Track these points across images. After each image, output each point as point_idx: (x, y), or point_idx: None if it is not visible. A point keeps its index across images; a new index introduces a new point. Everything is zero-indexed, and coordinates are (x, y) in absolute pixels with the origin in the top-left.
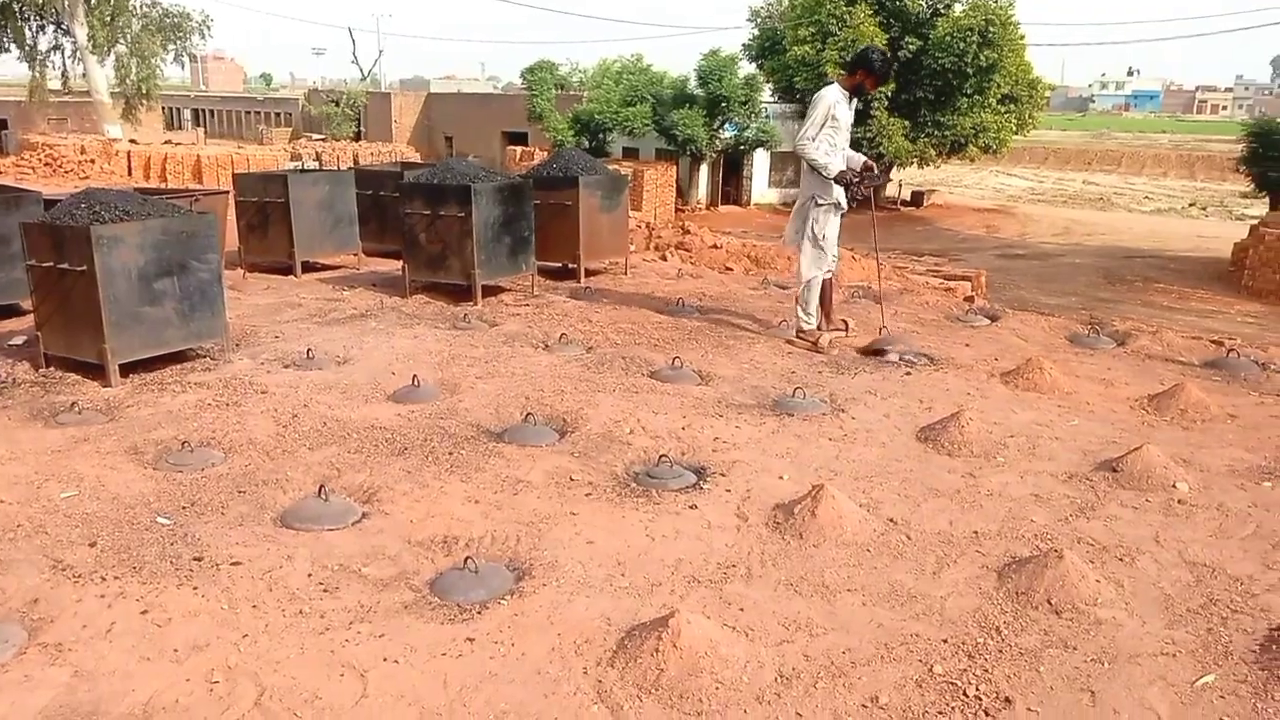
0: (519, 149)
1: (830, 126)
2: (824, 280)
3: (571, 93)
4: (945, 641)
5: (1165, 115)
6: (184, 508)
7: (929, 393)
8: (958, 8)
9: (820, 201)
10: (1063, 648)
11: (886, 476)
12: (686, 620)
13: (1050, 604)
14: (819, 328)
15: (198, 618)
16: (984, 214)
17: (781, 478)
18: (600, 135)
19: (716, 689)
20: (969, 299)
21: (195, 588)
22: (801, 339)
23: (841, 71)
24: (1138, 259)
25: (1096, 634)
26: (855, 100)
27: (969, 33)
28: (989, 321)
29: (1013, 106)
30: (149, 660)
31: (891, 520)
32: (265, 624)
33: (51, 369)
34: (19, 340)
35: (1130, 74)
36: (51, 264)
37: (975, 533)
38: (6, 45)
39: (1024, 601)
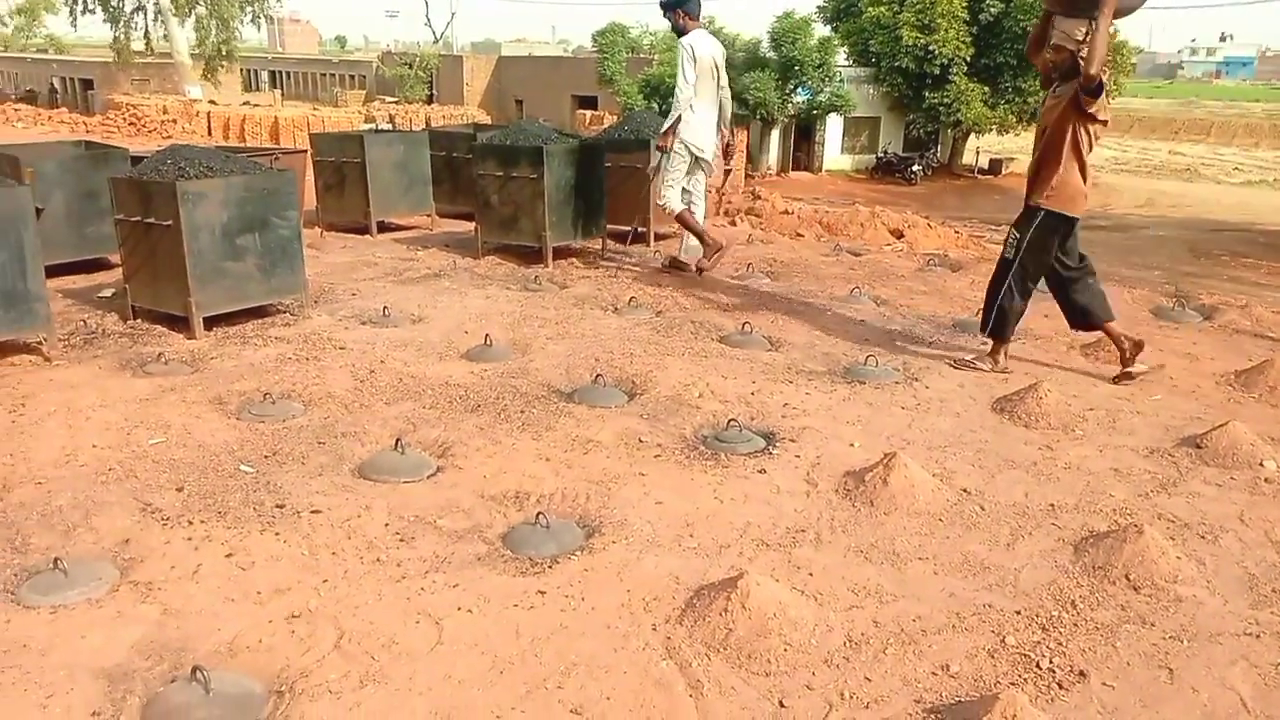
0: (588, 113)
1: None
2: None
3: (642, 56)
4: (1019, 613)
5: (1259, 83)
6: (266, 457)
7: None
8: None
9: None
10: (1140, 624)
11: (960, 447)
12: (755, 582)
13: (1128, 579)
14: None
15: (279, 562)
16: None
17: (852, 445)
18: (671, 99)
19: (785, 650)
20: None
21: (277, 533)
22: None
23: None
24: (1225, 232)
25: (1176, 611)
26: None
27: None
28: None
29: None
30: (233, 601)
31: (965, 490)
32: (344, 570)
33: (138, 321)
34: (108, 292)
35: (1223, 39)
36: (139, 219)
37: (1051, 505)
38: (92, 7)
39: (1101, 576)
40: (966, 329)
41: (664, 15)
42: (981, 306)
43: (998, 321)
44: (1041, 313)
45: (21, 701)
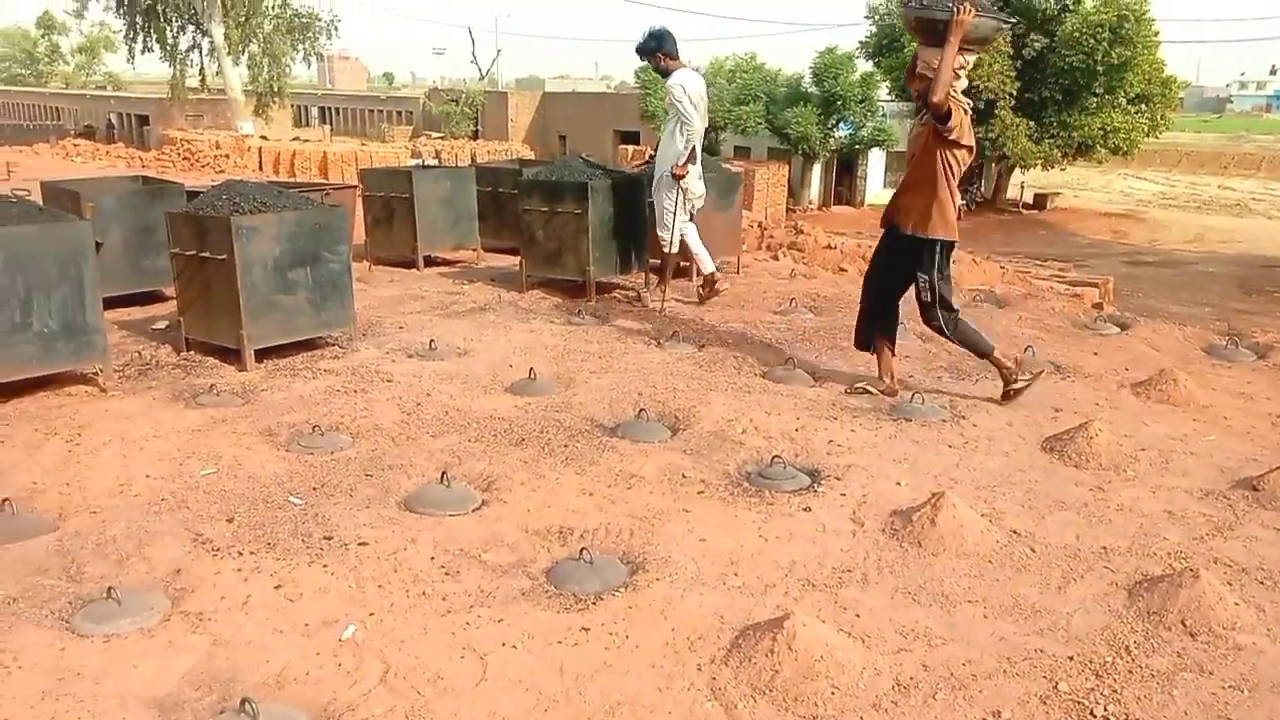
0: (630, 148)
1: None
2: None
3: None
4: (1071, 659)
5: None
6: (314, 488)
7: (1055, 401)
8: (1088, 3)
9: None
10: (1198, 672)
11: (1009, 486)
12: (802, 623)
13: (1184, 625)
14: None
15: (327, 594)
16: (1111, 219)
17: (899, 484)
18: (712, 134)
19: (832, 694)
20: (1097, 306)
21: (325, 565)
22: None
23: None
24: (1278, 268)
25: (1235, 660)
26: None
27: (1100, 29)
28: (1119, 330)
29: (1144, 107)
30: (282, 633)
31: (1015, 532)
32: (390, 603)
33: (191, 352)
34: (162, 324)
35: (1273, 73)
36: (194, 252)
37: (1104, 548)
38: (150, 45)
39: (1156, 622)
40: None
41: (644, 60)
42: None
43: (974, 346)
44: (1090, 351)
45: None
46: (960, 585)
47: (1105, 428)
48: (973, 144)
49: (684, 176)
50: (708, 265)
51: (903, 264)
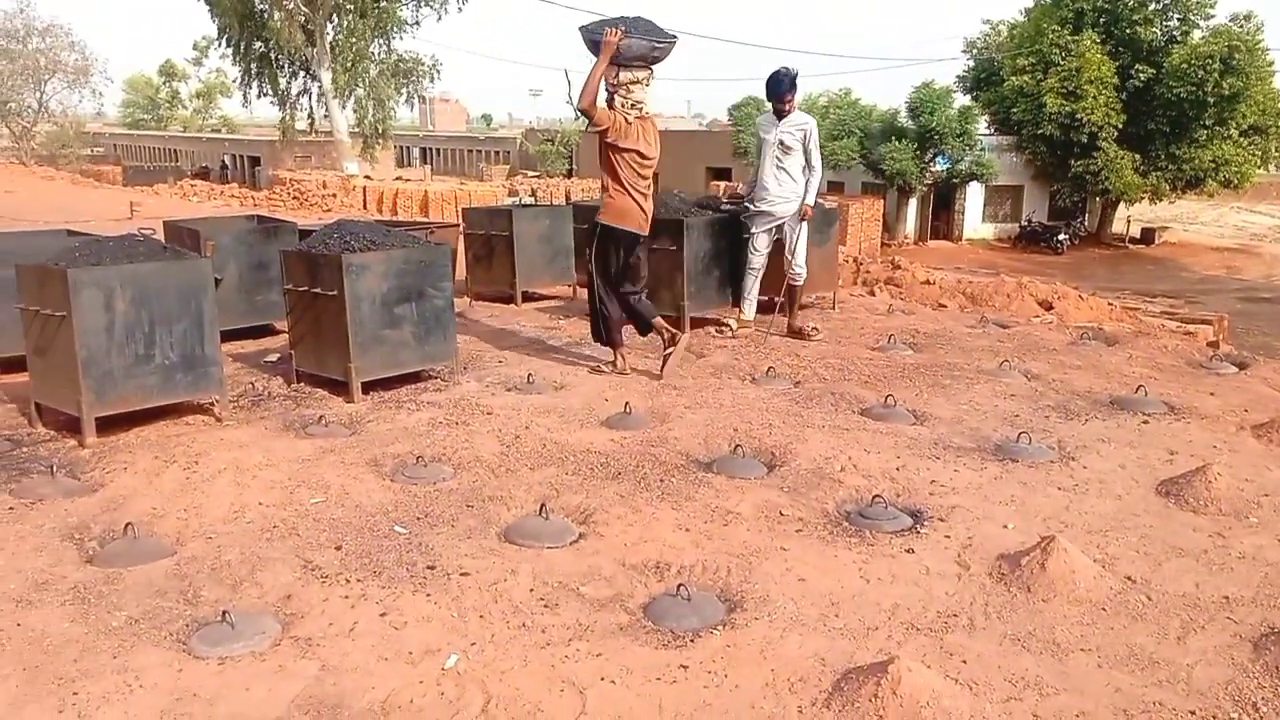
0: (722, 184)
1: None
2: (786, 285)
3: None
4: (1193, 713)
5: None
6: (418, 518)
7: (1170, 443)
8: (1196, 34)
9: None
10: None
11: (1123, 531)
12: (907, 667)
13: None
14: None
15: (430, 623)
16: (1223, 253)
17: (1006, 526)
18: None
19: None
20: (1212, 344)
21: (428, 595)
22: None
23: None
24: None
25: None
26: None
27: (1209, 60)
28: (1236, 369)
29: (1257, 139)
30: (387, 660)
31: (1130, 578)
32: (491, 634)
33: (301, 384)
34: (273, 357)
35: None
36: (306, 288)
37: (1226, 598)
38: (263, 90)
39: None
40: (1126, 406)
41: (776, 97)
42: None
43: (606, 330)
44: (1206, 391)
45: None
46: (1072, 633)
47: (1225, 471)
48: (644, 150)
49: (809, 217)
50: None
51: (616, 256)
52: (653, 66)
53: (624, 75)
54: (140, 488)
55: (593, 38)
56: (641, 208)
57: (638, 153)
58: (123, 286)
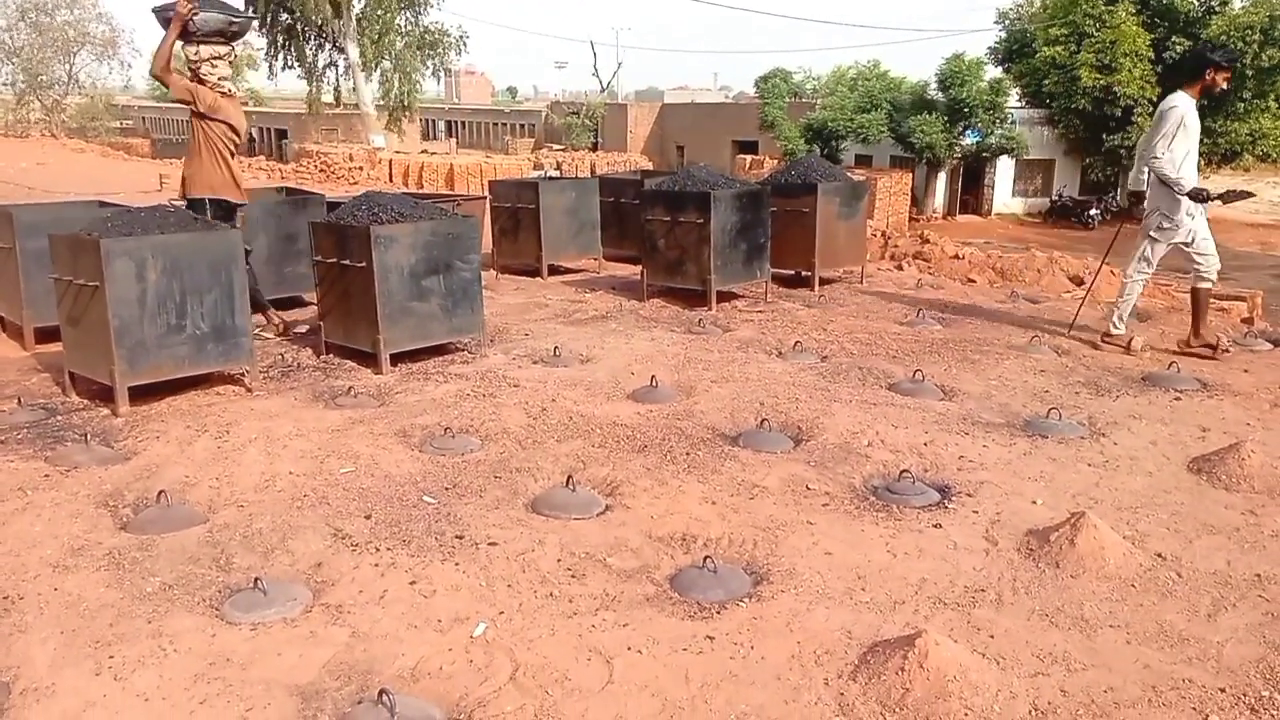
0: (749, 157)
1: (1181, 138)
2: (1200, 291)
3: (804, 100)
4: (1223, 691)
5: None
6: (446, 489)
7: (1202, 420)
8: (1236, 4)
9: (1164, 224)
10: None
11: (1154, 508)
12: (934, 641)
13: None
14: (1127, 333)
15: (459, 592)
16: (1259, 229)
17: (1034, 502)
18: (833, 143)
19: (965, 715)
20: (1246, 321)
21: (457, 564)
22: (1109, 342)
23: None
24: None
25: None
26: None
27: (1249, 31)
28: (1270, 346)
29: None
30: (416, 628)
31: (1160, 555)
32: (519, 603)
33: (330, 356)
34: (302, 329)
35: None
36: (334, 260)
37: (1258, 576)
38: (290, 63)
39: None
40: (1158, 383)
41: (1195, 79)
42: None
43: (254, 301)
44: (1240, 368)
45: (226, 712)
46: (1101, 609)
47: (1259, 449)
48: (236, 123)
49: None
50: (1118, 324)
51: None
52: (233, 44)
53: (205, 50)
54: (173, 456)
55: (165, 15)
56: (235, 179)
57: (229, 125)
58: (154, 256)
